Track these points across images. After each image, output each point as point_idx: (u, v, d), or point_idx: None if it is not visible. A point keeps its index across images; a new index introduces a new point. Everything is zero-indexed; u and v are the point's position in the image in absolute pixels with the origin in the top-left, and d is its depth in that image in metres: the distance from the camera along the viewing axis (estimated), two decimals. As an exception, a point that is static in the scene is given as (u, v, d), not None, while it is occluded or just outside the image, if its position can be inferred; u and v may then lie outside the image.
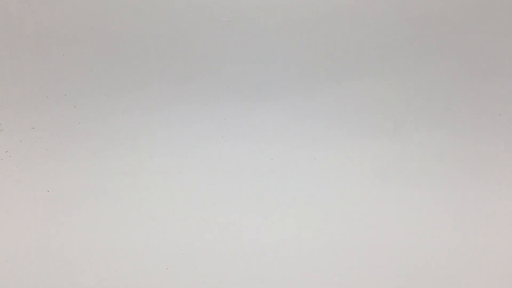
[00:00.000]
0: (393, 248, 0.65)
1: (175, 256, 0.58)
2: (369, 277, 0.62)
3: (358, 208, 0.70)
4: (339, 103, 0.78)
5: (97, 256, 0.57)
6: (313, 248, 0.64)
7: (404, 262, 0.64)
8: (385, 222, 0.69)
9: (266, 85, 0.74)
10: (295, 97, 0.73)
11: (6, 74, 0.70)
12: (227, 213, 0.65)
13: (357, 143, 0.77)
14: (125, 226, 0.61)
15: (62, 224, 0.62)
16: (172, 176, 0.68)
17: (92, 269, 0.57)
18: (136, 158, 0.69)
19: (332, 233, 0.66)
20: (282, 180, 0.68)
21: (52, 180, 0.66)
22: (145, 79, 0.72)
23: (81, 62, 0.71)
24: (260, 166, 0.70)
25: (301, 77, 0.65)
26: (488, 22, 0.86)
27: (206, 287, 0.56)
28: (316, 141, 0.73)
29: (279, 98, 0.72)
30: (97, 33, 0.69)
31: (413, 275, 0.62)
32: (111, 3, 0.68)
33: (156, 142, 0.71)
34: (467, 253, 0.65)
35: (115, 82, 0.71)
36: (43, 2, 0.73)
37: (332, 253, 0.65)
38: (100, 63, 0.71)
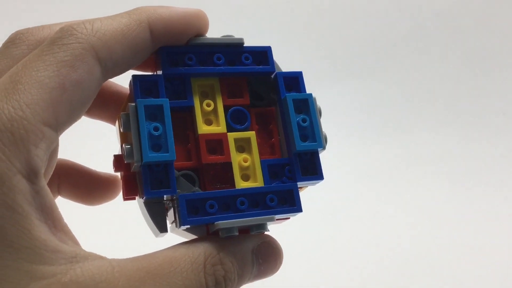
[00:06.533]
0: (395, 248, 0.64)
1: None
2: (369, 277, 0.61)
3: (359, 208, 0.69)
4: (340, 103, 0.79)
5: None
6: (312, 248, 0.63)
7: (406, 262, 0.63)
8: (386, 222, 0.68)
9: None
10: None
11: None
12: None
13: (358, 142, 0.77)
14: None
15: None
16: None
17: None
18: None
19: (332, 234, 0.65)
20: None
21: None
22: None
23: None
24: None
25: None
26: (490, 21, 0.87)
27: None
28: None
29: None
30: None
31: (414, 276, 0.61)
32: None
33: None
34: (470, 253, 0.64)
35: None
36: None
37: (332, 254, 0.64)
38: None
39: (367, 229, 0.67)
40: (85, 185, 0.32)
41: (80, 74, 0.22)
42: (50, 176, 0.26)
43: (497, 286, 0.61)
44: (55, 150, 0.24)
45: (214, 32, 0.28)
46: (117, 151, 0.29)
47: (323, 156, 0.28)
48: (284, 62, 0.30)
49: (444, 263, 0.63)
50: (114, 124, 0.31)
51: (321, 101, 0.29)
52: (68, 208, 0.26)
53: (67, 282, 0.19)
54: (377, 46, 0.85)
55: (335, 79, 0.82)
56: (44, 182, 0.21)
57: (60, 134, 0.22)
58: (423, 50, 0.86)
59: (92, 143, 0.63)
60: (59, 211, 0.21)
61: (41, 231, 0.20)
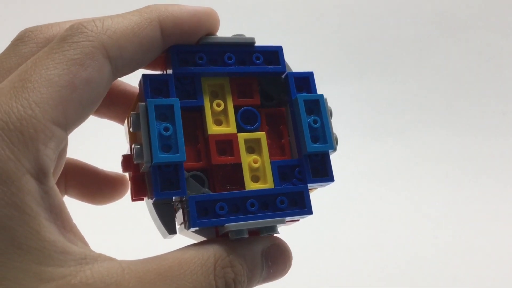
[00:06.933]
0: (396, 248, 0.64)
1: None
2: (368, 278, 0.61)
3: (360, 208, 0.69)
4: (341, 103, 0.78)
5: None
6: (315, 247, 0.63)
7: (407, 262, 0.63)
8: (387, 221, 0.68)
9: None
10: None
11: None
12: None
13: (360, 142, 0.77)
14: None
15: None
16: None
17: None
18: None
19: (333, 233, 0.65)
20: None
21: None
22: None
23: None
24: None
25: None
26: (491, 20, 0.87)
27: None
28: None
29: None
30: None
31: (416, 275, 0.61)
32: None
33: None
34: (470, 253, 0.64)
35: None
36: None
37: (334, 253, 0.64)
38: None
39: (376, 230, 0.67)
40: (92, 184, 0.32)
41: (90, 73, 0.22)
42: (58, 176, 0.26)
43: (499, 286, 0.61)
44: (64, 149, 0.24)
45: (224, 31, 0.27)
46: (125, 150, 0.28)
47: (331, 154, 0.27)
48: (291, 62, 0.29)
49: (446, 262, 0.63)
50: (121, 123, 0.31)
51: (328, 100, 0.28)
52: (75, 208, 0.26)
53: (77, 284, 0.19)
54: (380, 46, 0.84)
55: (338, 79, 0.81)
56: (53, 182, 0.20)
57: (70, 133, 0.22)
58: (426, 50, 0.85)
59: (99, 142, 0.62)
60: (68, 212, 0.21)
61: (50, 232, 0.19)
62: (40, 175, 0.20)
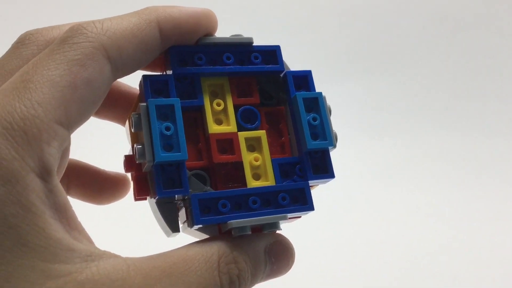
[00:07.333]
0: (396, 248, 0.64)
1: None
2: (369, 276, 0.61)
3: (360, 207, 0.69)
4: (341, 103, 0.79)
5: None
6: (318, 244, 0.63)
7: (407, 262, 0.63)
8: (387, 221, 0.68)
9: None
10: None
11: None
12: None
13: (360, 142, 0.77)
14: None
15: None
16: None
17: None
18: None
19: (334, 233, 0.65)
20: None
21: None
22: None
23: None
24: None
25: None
26: (490, 21, 0.88)
27: None
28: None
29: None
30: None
31: (416, 275, 0.61)
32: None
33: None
34: (470, 253, 0.64)
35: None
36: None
37: (333, 252, 0.64)
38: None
39: (377, 228, 0.67)
40: (94, 184, 0.32)
41: (90, 73, 0.22)
42: (62, 175, 0.26)
43: (499, 286, 0.61)
44: (66, 149, 0.24)
45: (223, 32, 0.28)
46: (126, 150, 0.29)
47: (332, 154, 0.28)
48: (291, 60, 0.30)
49: (446, 262, 0.63)
50: (122, 124, 0.31)
51: (328, 99, 0.29)
52: (79, 207, 0.26)
53: (83, 280, 0.19)
54: (381, 46, 0.85)
55: (338, 79, 0.82)
56: (57, 181, 0.21)
57: (72, 132, 0.22)
58: (426, 50, 0.86)
59: (100, 143, 0.63)
60: (72, 210, 0.21)
61: (56, 229, 0.20)
62: (44, 174, 0.20)
